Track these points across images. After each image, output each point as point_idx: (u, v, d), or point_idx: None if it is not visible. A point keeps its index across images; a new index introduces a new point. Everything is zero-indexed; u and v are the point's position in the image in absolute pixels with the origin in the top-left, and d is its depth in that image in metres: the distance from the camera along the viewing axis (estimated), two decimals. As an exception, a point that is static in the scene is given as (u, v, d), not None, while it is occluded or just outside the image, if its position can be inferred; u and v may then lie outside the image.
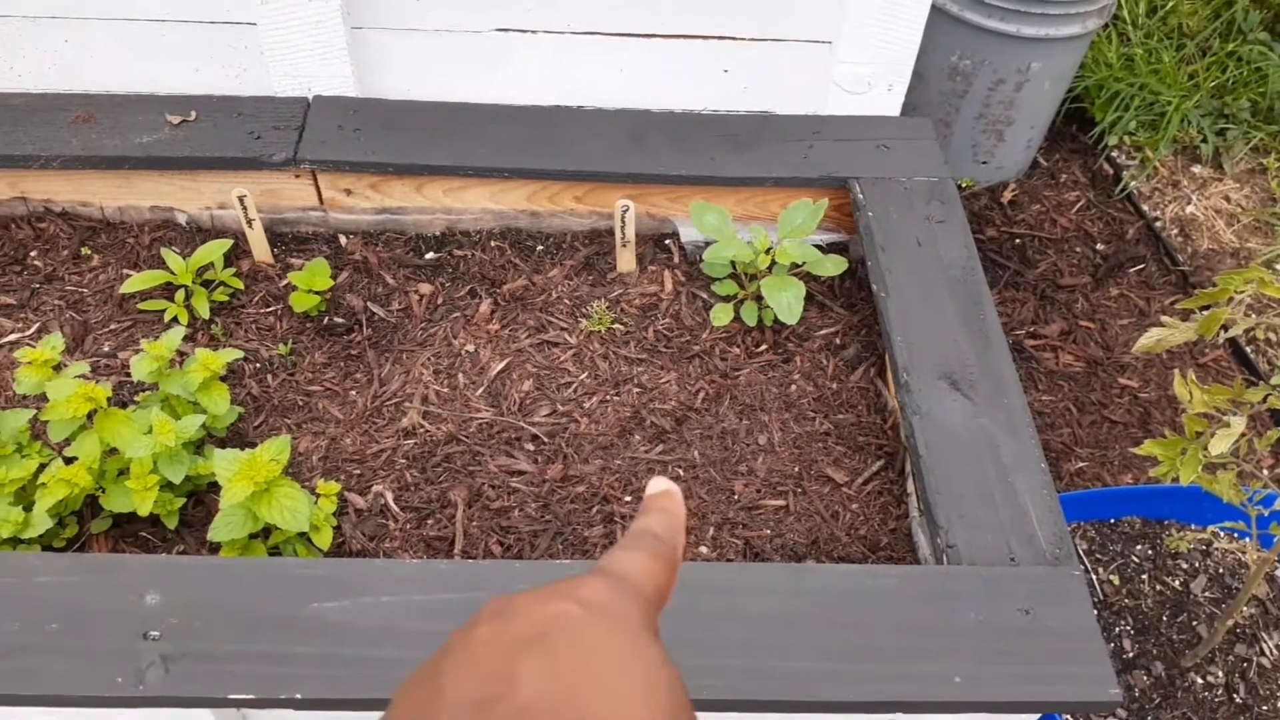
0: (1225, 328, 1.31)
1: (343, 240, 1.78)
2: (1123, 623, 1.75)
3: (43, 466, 1.35)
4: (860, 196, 1.63)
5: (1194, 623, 1.74)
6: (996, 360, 1.43)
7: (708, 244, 1.70)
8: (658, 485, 0.53)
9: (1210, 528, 1.85)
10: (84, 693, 1.10)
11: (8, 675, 1.10)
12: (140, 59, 1.74)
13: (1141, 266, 2.61)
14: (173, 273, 1.63)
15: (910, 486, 1.42)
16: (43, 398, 1.42)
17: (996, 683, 1.12)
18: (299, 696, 1.09)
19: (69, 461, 1.34)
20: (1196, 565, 1.83)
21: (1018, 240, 2.62)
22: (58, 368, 1.39)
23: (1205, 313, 1.27)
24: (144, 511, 1.28)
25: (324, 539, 1.33)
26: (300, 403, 1.56)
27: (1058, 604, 1.18)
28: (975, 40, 2.41)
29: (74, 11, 1.70)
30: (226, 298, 1.67)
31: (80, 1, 1.68)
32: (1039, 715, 1.26)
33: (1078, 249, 2.63)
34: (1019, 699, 1.11)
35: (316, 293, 1.65)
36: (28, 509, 1.30)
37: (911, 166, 1.68)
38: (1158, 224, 2.66)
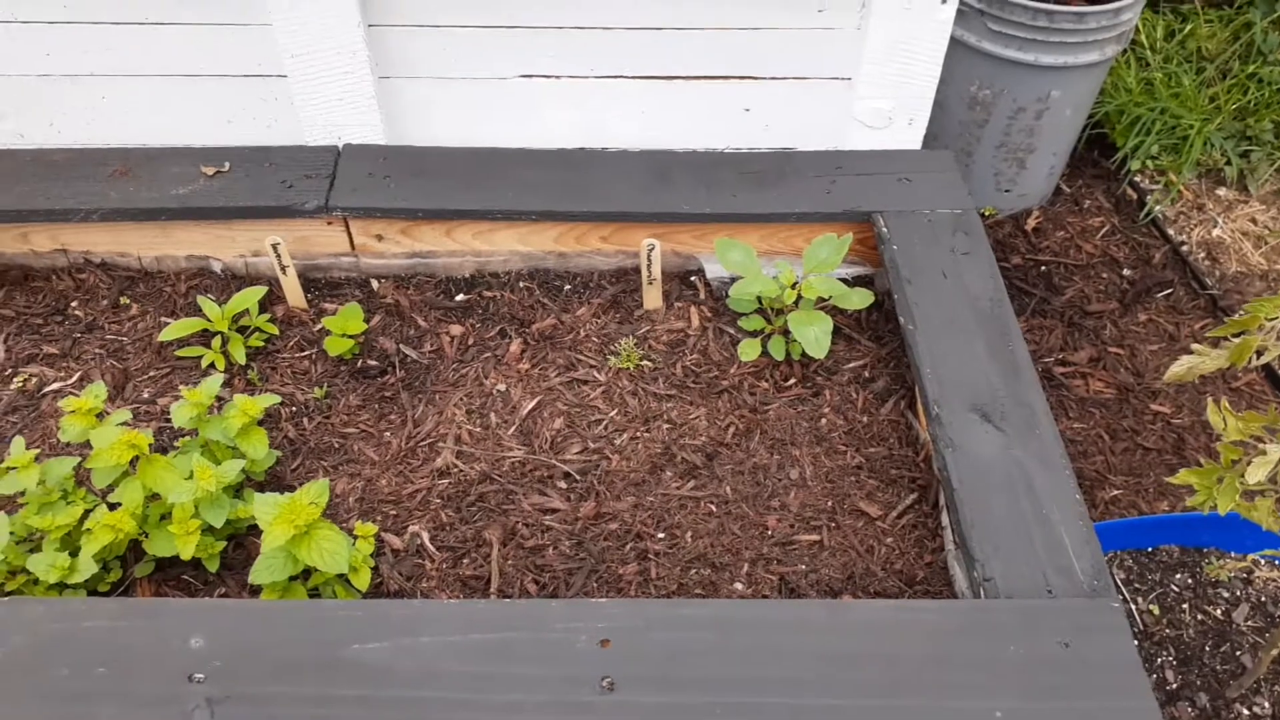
0: (1258, 354, 1.30)
1: (374, 284, 1.81)
2: (1164, 653, 1.73)
3: (87, 513, 1.37)
4: (884, 230, 1.64)
5: (1238, 653, 1.71)
6: (1027, 391, 1.43)
7: (733, 280, 1.72)
8: None
9: (1250, 555, 1.83)
10: (131, 737, 1.11)
11: (57, 721, 1.11)
12: (175, 113, 1.79)
13: (1169, 291, 2.59)
14: (209, 320, 1.67)
15: (945, 519, 1.42)
16: (87, 445, 1.45)
17: (1038, 717, 1.11)
18: (341, 739, 1.10)
19: (113, 507, 1.37)
20: (1238, 594, 1.80)
21: (1043, 267, 2.61)
22: (100, 416, 1.41)
23: (1236, 339, 1.27)
24: (186, 555, 1.30)
25: (363, 580, 1.34)
26: (336, 445, 1.58)
27: (1098, 636, 1.17)
28: (994, 70, 2.42)
29: (111, 70, 1.76)
30: (262, 343, 1.70)
31: (115, 60, 1.74)
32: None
33: (1104, 275, 2.61)
34: (1062, 733, 1.10)
35: (350, 336, 1.68)
36: (73, 554, 1.33)
37: (935, 199, 1.70)
38: (1184, 248, 2.65)
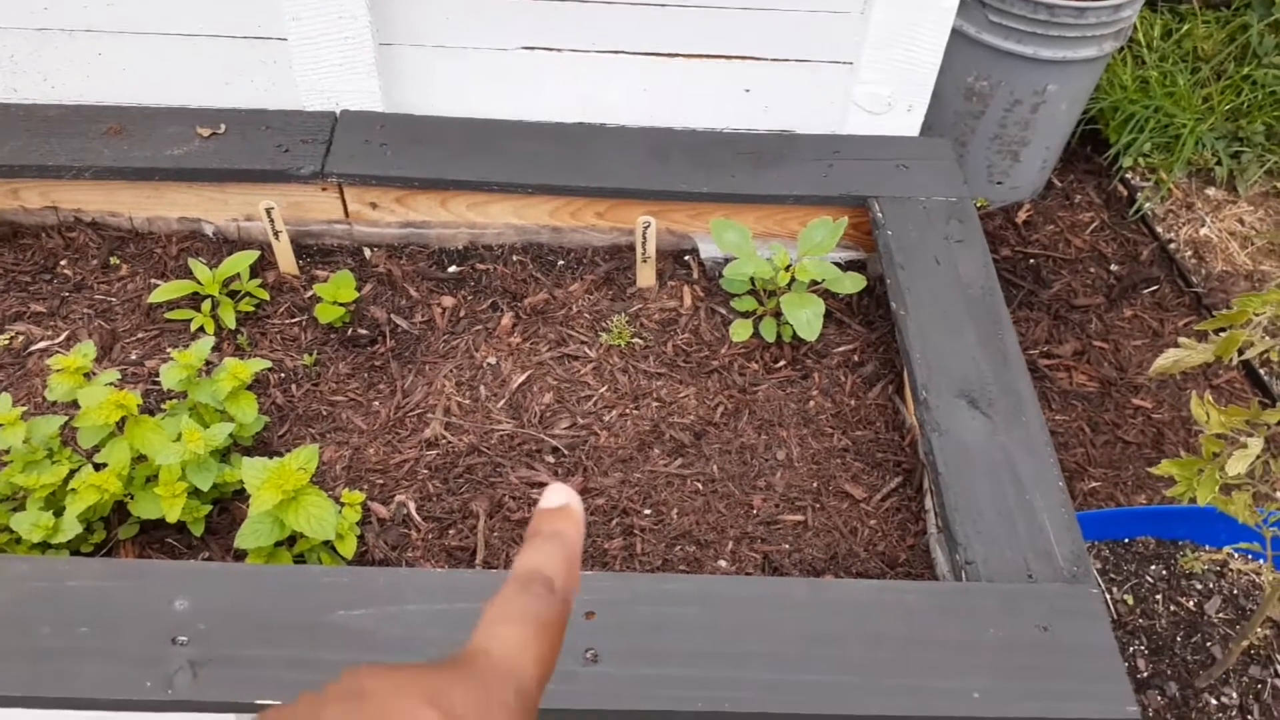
0: (1242, 350, 1.32)
1: (367, 253, 1.81)
2: (1137, 642, 1.76)
3: (73, 473, 1.37)
4: (879, 215, 1.65)
5: (1208, 644, 1.75)
6: (1015, 379, 1.44)
7: (727, 260, 1.72)
8: (555, 498, 0.44)
9: (1225, 549, 1.86)
10: (113, 696, 1.11)
11: (40, 678, 1.11)
12: (172, 73, 1.77)
13: (1155, 288, 2.61)
14: (200, 283, 1.66)
15: (928, 503, 1.43)
16: (73, 404, 1.44)
17: (1015, 698, 1.13)
18: (325, 702, 1.11)
19: (99, 468, 1.36)
20: (1211, 586, 1.83)
21: (1032, 260, 2.63)
22: (88, 375, 1.41)
23: (1222, 335, 1.29)
24: (172, 518, 1.30)
25: (348, 548, 1.35)
26: (324, 413, 1.58)
27: (1076, 621, 1.19)
28: (992, 61, 2.43)
29: (108, 26, 1.73)
30: (252, 308, 1.70)
31: (115, 16, 1.72)
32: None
33: (1092, 269, 2.64)
34: (1037, 715, 1.12)
35: (341, 304, 1.67)
36: (58, 514, 1.32)
37: (930, 186, 1.70)
38: (1172, 246, 2.67)
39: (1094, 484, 2.27)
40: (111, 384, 1.39)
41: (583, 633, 1.16)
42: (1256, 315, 1.25)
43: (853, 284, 1.60)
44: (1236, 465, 1.31)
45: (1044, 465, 1.35)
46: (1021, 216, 2.71)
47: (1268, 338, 1.31)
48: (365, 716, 0.34)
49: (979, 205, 2.70)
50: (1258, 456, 1.31)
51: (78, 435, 1.39)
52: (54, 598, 1.17)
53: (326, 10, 1.65)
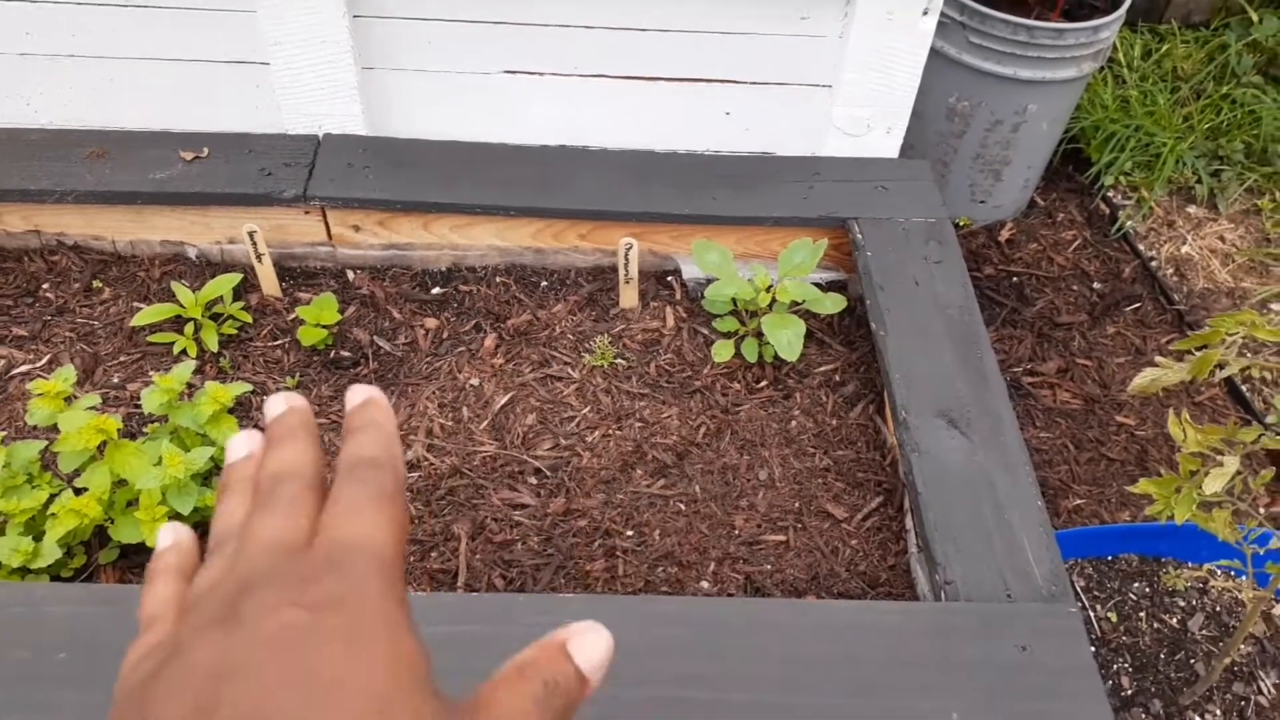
0: (1219, 368, 1.33)
1: (350, 275, 1.81)
2: (1120, 660, 1.76)
3: (53, 497, 1.36)
4: (859, 236, 1.66)
5: (1192, 660, 1.75)
6: (993, 399, 1.45)
7: (709, 281, 1.73)
8: (358, 394, 0.44)
9: (1207, 566, 1.87)
10: (90, 722, 1.11)
11: (17, 705, 1.11)
12: (155, 96, 1.78)
13: (1138, 305, 2.63)
14: (182, 306, 1.66)
15: (909, 523, 1.44)
16: (54, 429, 1.44)
17: (995, 718, 1.13)
18: (304, 728, 1.10)
19: (79, 492, 1.36)
20: (1194, 603, 1.84)
21: (1015, 278, 2.65)
22: (69, 400, 1.41)
23: (1199, 353, 1.30)
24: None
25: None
26: (307, 435, 1.58)
27: (1054, 641, 1.19)
28: (973, 82, 2.45)
29: (91, 51, 1.74)
30: (235, 331, 1.70)
31: (98, 42, 1.72)
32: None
33: (1075, 287, 2.65)
34: (1016, 736, 1.12)
35: (324, 327, 1.68)
36: (37, 539, 1.32)
37: (910, 207, 1.72)
38: (1153, 263, 2.69)
39: (1078, 501, 2.27)
40: (92, 408, 1.39)
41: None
42: (1229, 335, 1.26)
43: (833, 305, 1.61)
44: (1214, 484, 1.32)
45: (1022, 485, 1.35)
46: (1004, 235, 2.73)
47: (1246, 355, 1.32)
48: (238, 640, 0.34)
49: (962, 224, 2.73)
50: (1235, 475, 1.32)
51: (58, 460, 1.39)
52: (33, 623, 1.17)
53: (308, 35, 1.66)
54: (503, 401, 1.64)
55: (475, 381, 1.67)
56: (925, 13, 1.64)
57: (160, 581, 0.41)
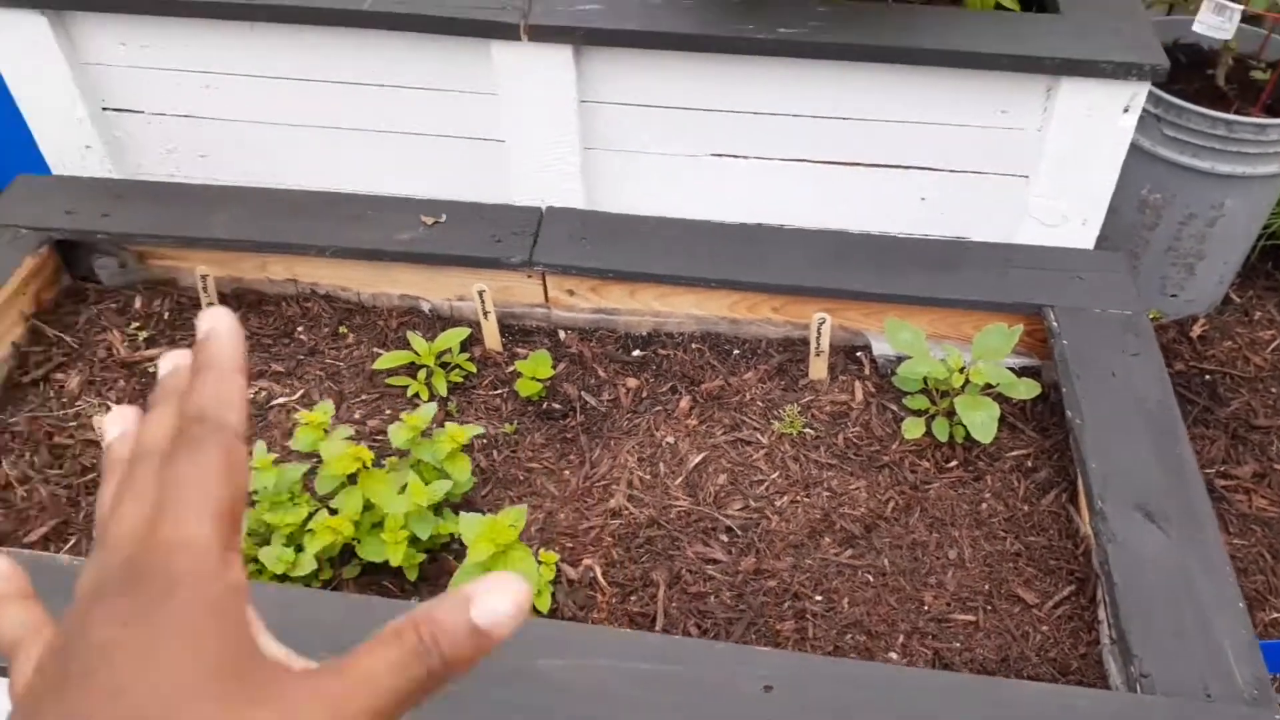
0: None
1: (561, 335, 1.97)
2: (1318, 780, 1.68)
3: (310, 515, 1.55)
4: (1054, 324, 1.70)
5: (1399, 789, 1.66)
6: (1192, 496, 1.46)
7: (899, 358, 1.80)
8: (203, 322, 0.40)
9: None
10: (343, 718, 1.25)
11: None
12: (404, 166, 2.01)
13: (1341, 410, 2.52)
14: (417, 354, 1.85)
15: (1101, 613, 1.45)
16: (307, 455, 1.63)
17: (1193, 816, 1.14)
18: (526, 744, 1.22)
19: (332, 512, 1.54)
20: (1402, 728, 1.74)
21: (1207, 376, 2.58)
22: (326, 430, 1.60)
23: None
24: (396, 561, 1.46)
25: (543, 603, 1.47)
26: (521, 477, 1.73)
27: (1258, 745, 1.19)
28: (1167, 175, 2.45)
29: (350, 124, 1.99)
30: (461, 379, 1.88)
31: (355, 115, 1.97)
32: None
33: (1273, 389, 2.56)
34: (1216, 835, 1.12)
35: (538, 380, 1.83)
36: (297, 550, 1.50)
37: (1105, 299, 1.75)
38: (1359, 367, 2.58)
39: (1276, 614, 2.19)
40: (348, 439, 1.58)
41: (759, 704, 1.24)
42: None
43: (1027, 390, 1.66)
44: None
45: (1223, 585, 1.35)
46: (1196, 331, 2.68)
47: None
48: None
49: (1152, 318, 2.68)
50: None
51: (315, 482, 1.58)
52: (303, 623, 1.34)
53: (541, 119, 1.85)
54: (696, 461, 1.75)
55: (671, 440, 1.79)
56: (1126, 110, 1.69)
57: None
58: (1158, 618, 1.32)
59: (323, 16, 1.78)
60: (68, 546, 1.65)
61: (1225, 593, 1.34)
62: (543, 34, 1.73)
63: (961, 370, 1.66)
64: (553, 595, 1.53)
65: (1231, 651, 1.29)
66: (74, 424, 1.85)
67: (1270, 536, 2.23)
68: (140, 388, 1.91)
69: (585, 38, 1.75)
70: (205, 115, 2.02)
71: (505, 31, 1.73)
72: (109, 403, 1.88)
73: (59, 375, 1.93)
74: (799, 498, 1.68)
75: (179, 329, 2.01)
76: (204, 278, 1.97)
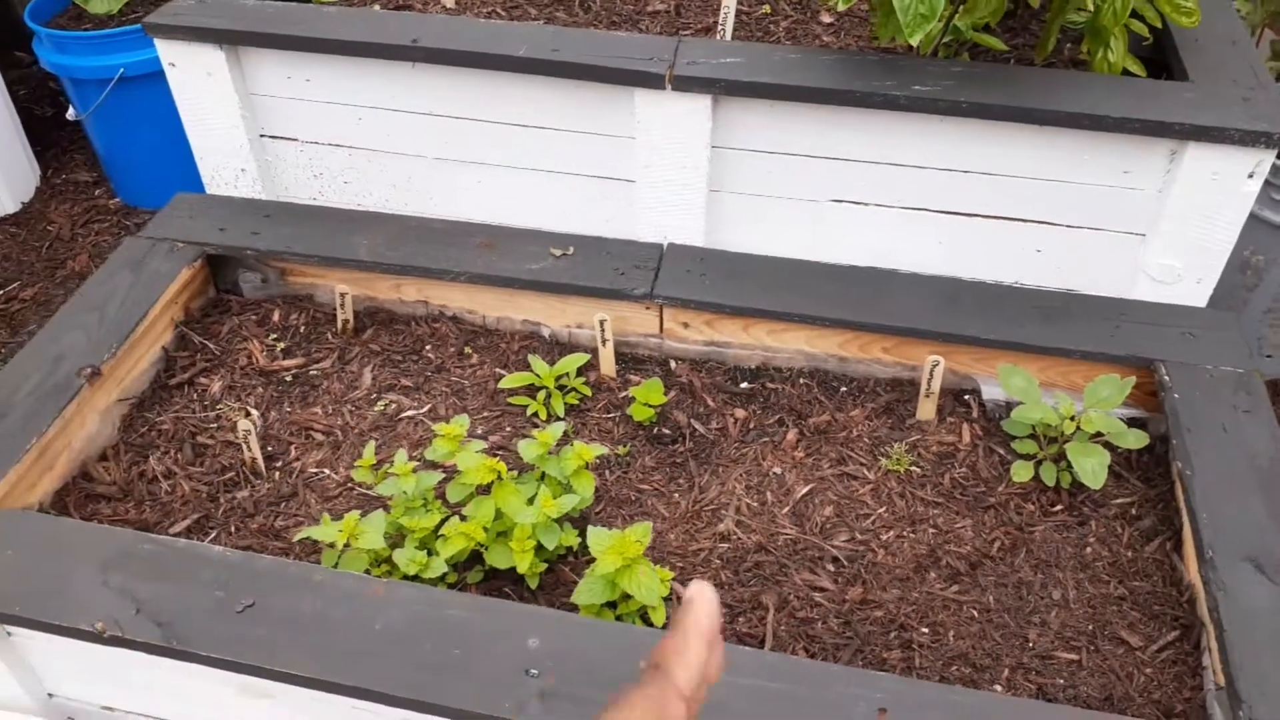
0: None
1: (672, 364, 2.06)
2: None
3: (443, 521, 1.65)
4: (1165, 378, 1.74)
5: None
6: (1305, 552, 1.48)
7: (1009, 404, 1.85)
8: (691, 589, 0.63)
9: None
10: (479, 710, 1.34)
11: (423, 686, 1.36)
12: (536, 200, 2.14)
13: None
14: (538, 376, 1.96)
15: (1205, 660, 1.48)
16: (438, 465, 1.74)
17: None
18: (650, 745, 1.29)
19: (463, 519, 1.64)
20: None
21: (1306, 436, 2.57)
22: (461, 442, 1.71)
23: None
24: (523, 568, 1.55)
25: (659, 618, 1.55)
26: (633, 498, 1.81)
27: (1372, 797, 1.20)
28: (1270, 237, 2.46)
29: (491, 159, 2.13)
30: (576, 401, 1.98)
31: (497, 151, 2.10)
32: None
33: (1374, 453, 2.54)
34: None
35: (650, 406, 1.92)
36: (429, 554, 1.60)
37: (1217, 356, 1.78)
38: None
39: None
40: (480, 451, 1.68)
41: (875, 725, 1.29)
42: None
43: (1135, 440, 1.69)
44: None
45: (1336, 639, 1.37)
46: (1296, 391, 2.66)
47: None
48: None
49: (1251, 376, 2.68)
50: None
51: (446, 490, 1.68)
52: (435, 621, 1.43)
53: (674, 161, 1.96)
54: (803, 491, 1.82)
55: (778, 470, 1.86)
56: (1251, 175, 1.73)
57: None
58: (1266, 666, 1.34)
59: (480, 60, 1.92)
60: (210, 539, 1.78)
61: (1338, 648, 1.36)
62: (686, 84, 1.85)
63: (1073, 418, 1.70)
64: (665, 612, 1.60)
65: (1344, 705, 1.31)
66: (215, 425, 1.99)
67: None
68: (276, 395, 2.04)
69: (726, 89, 1.86)
70: (354, 145, 2.18)
71: (651, 81, 1.85)
72: (248, 407, 2.02)
73: (203, 379, 2.08)
74: (905, 533, 1.73)
75: (314, 341, 2.15)
76: (343, 295, 2.11)
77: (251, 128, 2.19)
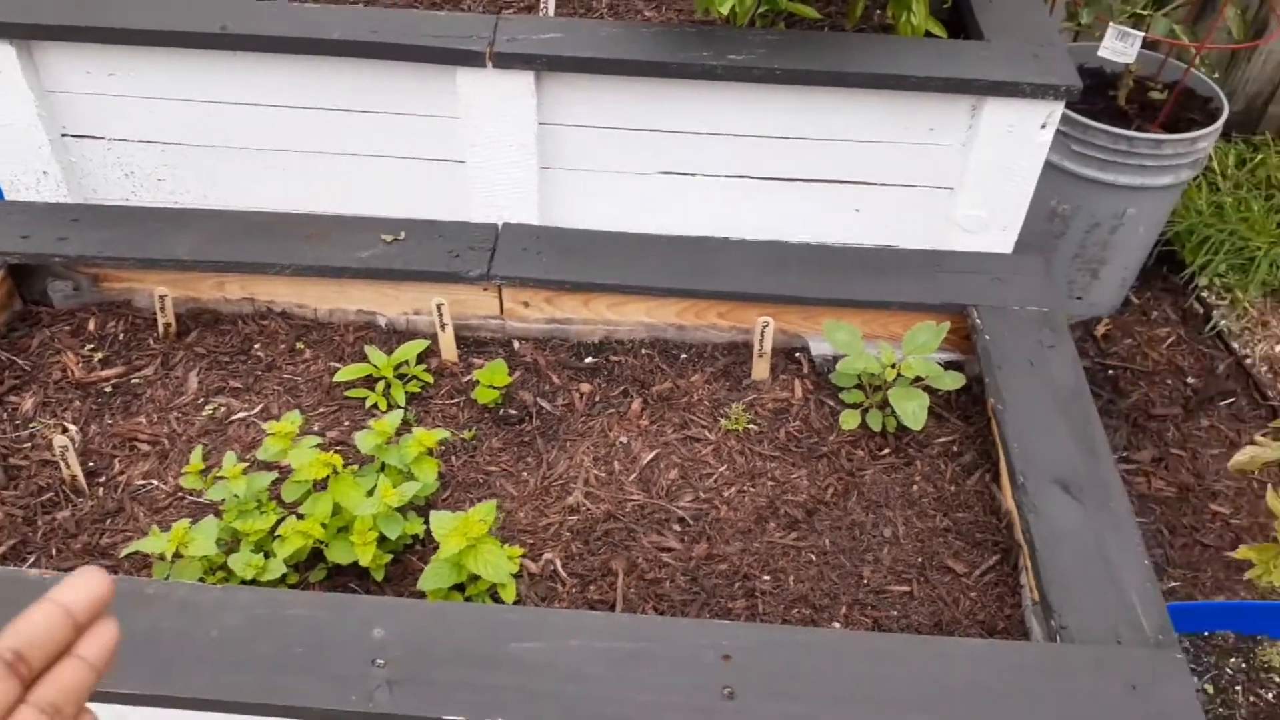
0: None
1: (516, 345, 2.06)
2: (1221, 732, 1.84)
3: (279, 521, 1.60)
4: (978, 321, 1.85)
5: (1293, 736, 1.82)
6: (1103, 470, 1.61)
7: (835, 358, 1.93)
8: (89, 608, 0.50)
9: (1307, 646, 1.94)
10: (324, 706, 1.32)
11: (266, 689, 1.32)
12: (365, 187, 2.09)
13: (1231, 400, 2.74)
14: (375, 367, 1.92)
15: (1024, 579, 1.59)
16: (270, 465, 1.69)
17: (1110, 749, 1.26)
18: (502, 720, 1.30)
19: (299, 517, 1.60)
20: (1293, 680, 1.92)
21: (1110, 371, 2.79)
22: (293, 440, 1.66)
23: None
24: (365, 561, 1.52)
25: (509, 595, 1.55)
26: (481, 480, 1.81)
27: (1162, 682, 1.33)
28: (1074, 187, 2.65)
29: (313, 147, 2.06)
30: (418, 389, 1.95)
31: (318, 139, 2.04)
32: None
33: (1169, 382, 2.78)
34: (1130, 764, 1.25)
35: (495, 388, 1.92)
36: (266, 556, 1.55)
37: (1024, 297, 1.91)
38: (1247, 360, 2.80)
39: (1173, 584, 2.37)
40: (314, 447, 1.64)
41: (720, 673, 1.34)
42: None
43: (953, 381, 1.80)
44: (1311, 552, 1.45)
45: (1130, 545, 1.50)
46: (1100, 330, 2.88)
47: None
48: None
49: (1061, 318, 2.88)
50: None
51: (281, 490, 1.64)
52: (274, 622, 1.39)
53: (501, 140, 1.95)
54: (649, 458, 1.85)
55: (624, 440, 1.89)
56: (1043, 126, 1.86)
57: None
58: (1073, 578, 1.46)
59: (292, 45, 1.85)
60: (27, 564, 1.68)
61: (1132, 553, 1.49)
62: (507, 61, 1.84)
63: (894, 365, 1.79)
64: (516, 589, 1.61)
65: (1139, 603, 1.43)
66: (29, 445, 1.87)
67: (1168, 514, 2.42)
68: (95, 408, 1.94)
69: (547, 65, 1.86)
70: (167, 140, 2.07)
71: (471, 59, 1.83)
72: (64, 422, 1.90)
73: (12, 398, 1.95)
74: (745, 488, 1.79)
75: (134, 348, 2.05)
76: (162, 298, 2.01)
77: (51, 127, 2.05)
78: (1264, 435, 2.12)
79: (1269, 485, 1.65)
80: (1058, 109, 1.87)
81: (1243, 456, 1.54)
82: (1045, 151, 1.91)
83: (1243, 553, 1.50)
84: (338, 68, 1.93)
